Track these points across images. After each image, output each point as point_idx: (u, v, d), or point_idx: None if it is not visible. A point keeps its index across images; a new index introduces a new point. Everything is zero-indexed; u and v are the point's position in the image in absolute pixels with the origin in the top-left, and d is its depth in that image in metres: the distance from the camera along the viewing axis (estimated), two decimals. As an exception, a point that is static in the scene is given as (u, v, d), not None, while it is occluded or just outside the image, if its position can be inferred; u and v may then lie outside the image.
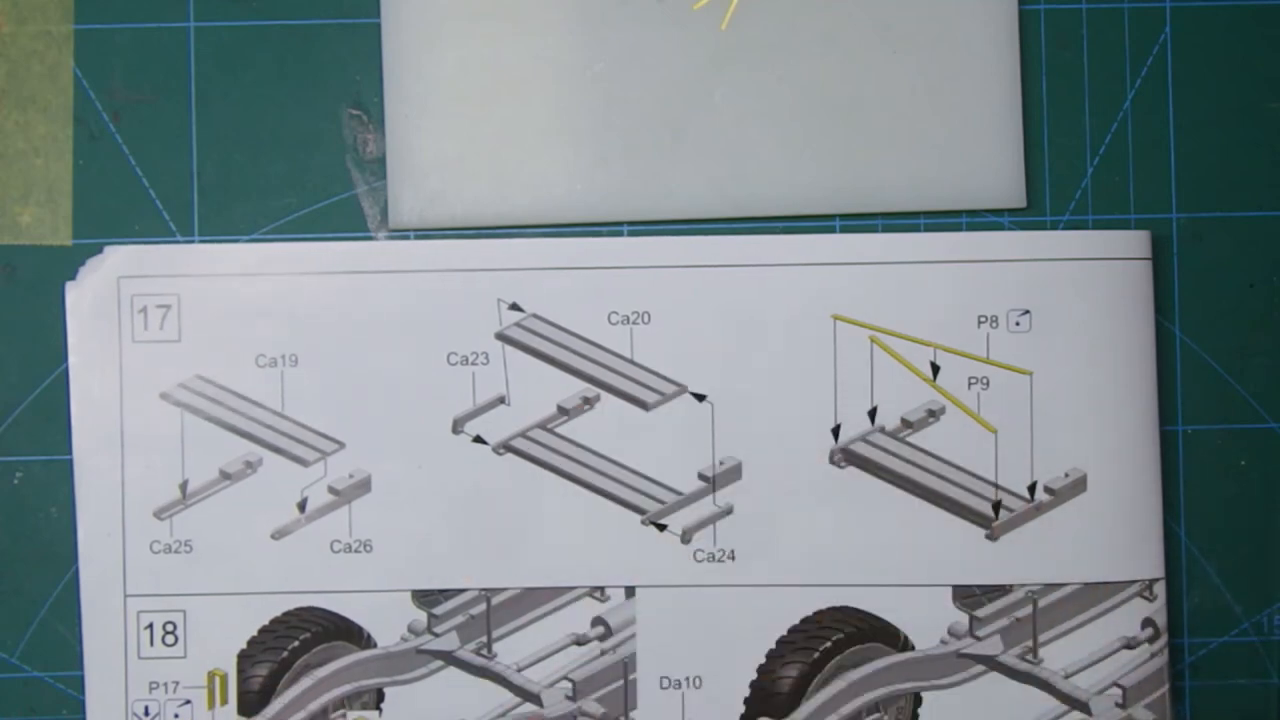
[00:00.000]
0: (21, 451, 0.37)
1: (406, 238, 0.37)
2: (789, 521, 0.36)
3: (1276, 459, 0.37)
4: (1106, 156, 0.38)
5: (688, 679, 0.36)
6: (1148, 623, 0.36)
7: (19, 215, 0.37)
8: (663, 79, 0.37)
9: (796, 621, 0.36)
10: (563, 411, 0.36)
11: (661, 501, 0.36)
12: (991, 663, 0.36)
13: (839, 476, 0.36)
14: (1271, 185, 0.38)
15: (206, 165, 0.37)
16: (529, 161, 0.37)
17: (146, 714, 0.36)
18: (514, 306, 0.36)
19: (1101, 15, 0.38)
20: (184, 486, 0.36)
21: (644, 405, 0.36)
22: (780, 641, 0.36)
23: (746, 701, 0.36)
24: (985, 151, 0.37)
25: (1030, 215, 0.37)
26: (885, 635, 0.36)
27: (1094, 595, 0.36)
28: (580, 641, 0.36)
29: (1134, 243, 0.36)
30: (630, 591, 0.36)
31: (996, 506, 0.36)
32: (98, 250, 0.37)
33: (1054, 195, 0.38)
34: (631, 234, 0.37)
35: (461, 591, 0.36)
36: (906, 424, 0.36)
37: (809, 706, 0.36)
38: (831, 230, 0.37)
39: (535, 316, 0.37)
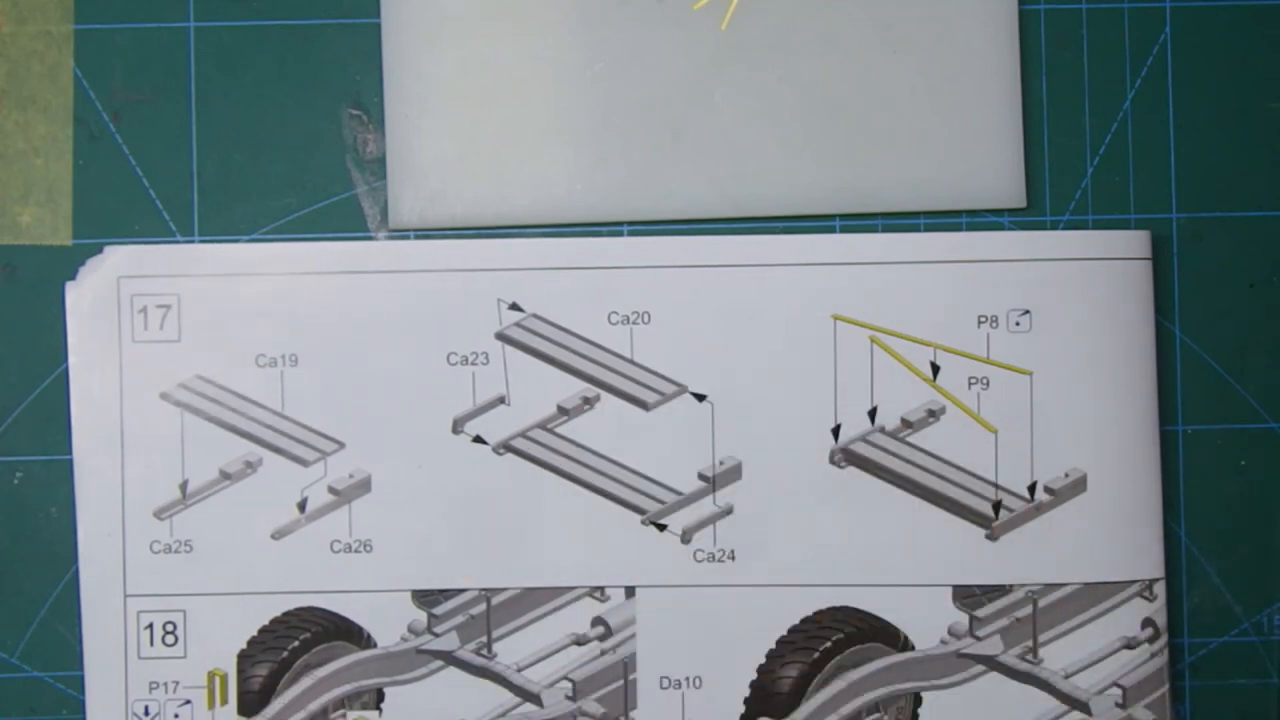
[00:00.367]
0: (21, 451, 0.37)
1: (406, 238, 0.37)
2: (789, 521, 0.36)
3: (1276, 459, 0.37)
4: (1106, 156, 0.38)
5: (688, 679, 0.36)
6: (1148, 623, 0.36)
7: (19, 215, 0.37)
8: (663, 79, 0.37)
9: (796, 621, 0.36)
10: (563, 411, 0.36)
11: (661, 501, 0.36)
12: (991, 663, 0.36)
13: (839, 476, 0.36)
14: (1271, 185, 0.38)
15: (206, 165, 0.37)
16: (529, 161, 0.37)
17: (146, 714, 0.36)
18: (514, 306, 0.36)
19: (1101, 15, 0.38)
20: (184, 486, 0.36)
21: (644, 405, 0.36)
22: (780, 641, 0.36)
23: (746, 701, 0.36)
24: (985, 151, 0.37)
25: (1030, 215, 0.37)
26: (885, 635, 0.36)
27: (1094, 595, 0.36)
28: (580, 641, 0.36)
29: (1134, 243, 0.36)
30: (630, 591, 0.36)
31: (996, 506, 0.36)
32: (98, 250, 0.37)
33: (1054, 195, 0.38)
34: (631, 234, 0.37)
35: (461, 591, 0.36)
36: (906, 424, 0.36)
37: (809, 706, 0.36)
38: (831, 230, 0.37)
39: (535, 316, 0.37)
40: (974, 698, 0.36)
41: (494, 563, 0.36)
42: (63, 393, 0.37)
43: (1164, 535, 0.36)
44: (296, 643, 0.36)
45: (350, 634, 0.36)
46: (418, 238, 0.37)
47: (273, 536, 0.36)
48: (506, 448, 0.36)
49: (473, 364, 0.36)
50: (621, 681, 0.36)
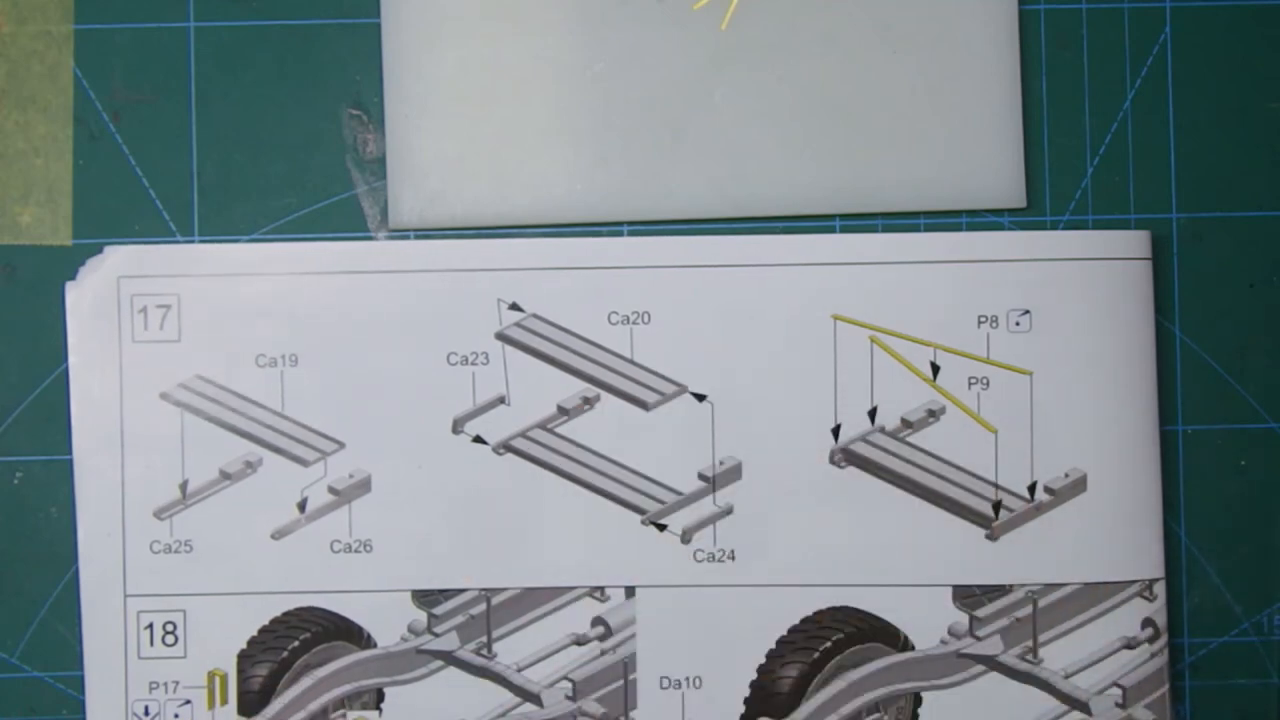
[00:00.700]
0: (21, 451, 0.37)
1: (406, 238, 0.37)
2: (789, 521, 0.36)
3: (1276, 459, 0.37)
4: (1106, 156, 0.38)
5: (688, 679, 0.36)
6: (1148, 623, 0.36)
7: (19, 215, 0.37)
8: (663, 79, 0.37)
9: (796, 621, 0.36)
10: (563, 411, 0.36)
11: (661, 501, 0.36)
12: (991, 663, 0.36)
13: (839, 476, 0.36)
14: (1271, 185, 0.38)
15: (206, 165, 0.37)
16: (529, 161, 0.37)
17: (146, 714, 0.36)
18: (514, 306, 0.36)
19: (1101, 15, 0.38)
20: (184, 486, 0.36)
21: (644, 405, 0.36)
22: (780, 641, 0.36)
23: (746, 701, 0.36)
24: (985, 151, 0.37)
25: (1030, 215, 0.37)
26: (885, 635, 0.36)
27: (1094, 595, 0.36)
28: (580, 641, 0.36)
29: (1134, 243, 0.36)
30: (630, 591, 0.36)
31: (996, 506, 0.36)
32: (98, 250, 0.37)
33: (1054, 195, 0.38)
34: (631, 234, 0.37)
35: (461, 591, 0.36)
36: (906, 424, 0.36)
37: (809, 706, 0.36)
38: (831, 230, 0.37)
39: (535, 316, 0.37)
40: (974, 698, 0.36)
41: (494, 563, 0.36)
42: (63, 393, 0.37)
43: (1164, 535, 0.36)
44: (296, 643, 0.36)
45: (350, 634, 0.36)
46: (418, 238, 0.37)
47: (273, 536, 0.36)
48: (506, 448, 0.36)
49: (473, 364, 0.36)
50: (621, 681, 0.36)
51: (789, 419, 0.36)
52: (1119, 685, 0.36)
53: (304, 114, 0.37)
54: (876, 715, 0.36)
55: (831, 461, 0.36)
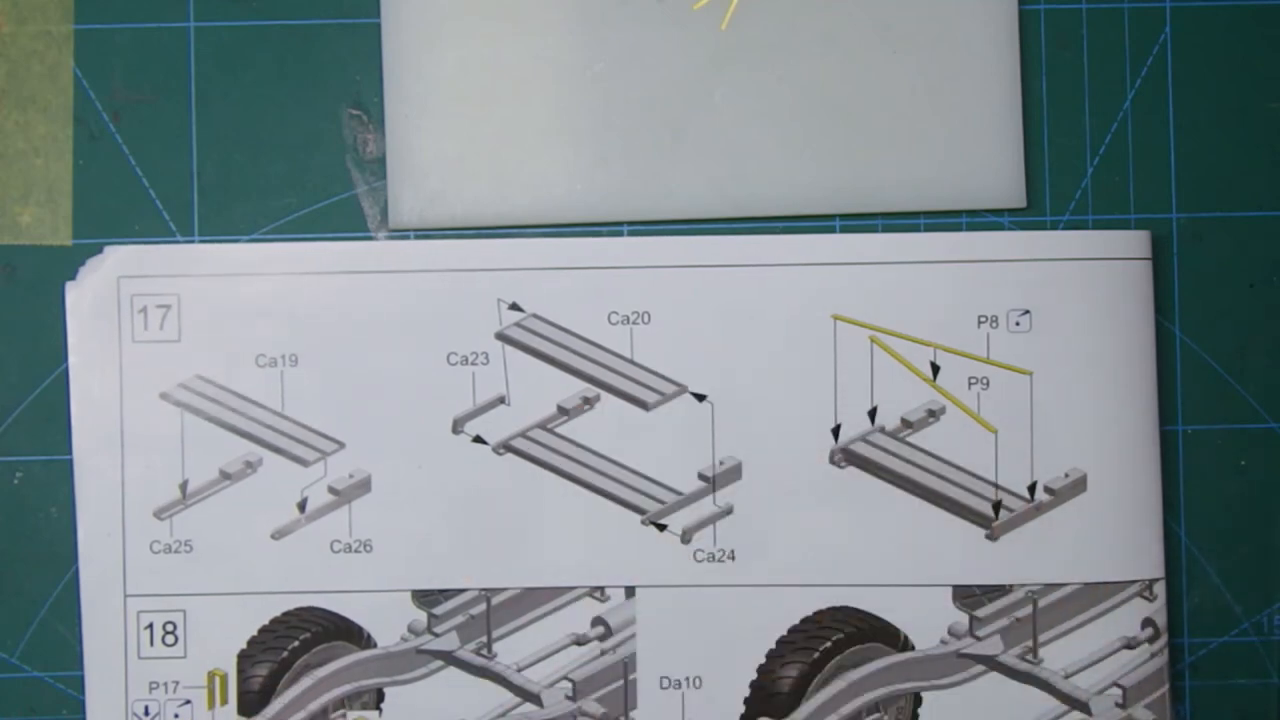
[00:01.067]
0: (21, 451, 0.37)
1: (406, 238, 0.37)
2: (789, 521, 0.36)
3: (1276, 459, 0.37)
4: (1106, 156, 0.38)
5: (688, 679, 0.36)
6: (1148, 623, 0.36)
7: (19, 215, 0.37)
8: (663, 79, 0.37)
9: (796, 621, 0.36)
10: (563, 411, 0.36)
11: (661, 501, 0.36)
12: (991, 663, 0.36)
13: (839, 476, 0.36)
14: (1271, 185, 0.38)
15: (206, 165, 0.37)
16: (529, 161, 0.37)
17: (146, 714, 0.36)
18: (514, 306, 0.36)
19: (1101, 15, 0.38)
20: (184, 486, 0.36)
21: (644, 405, 0.36)
22: (780, 641, 0.36)
23: (746, 701, 0.36)
24: (985, 151, 0.37)
25: (1030, 215, 0.37)
26: (885, 635, 0.36)
27: (1094, 595, 0.36)
28: (580, 641, 0.36)
29: (1134, 243, 0.36)
30: (630, 591, 0.36)
31: (996, 506, 0.36)
32: (98, 250, 0.37)
33: (1054, 195, 0.38)
34: (631, 234, 0.37)
35: (461, 591, 0.36)
36: (906, 424, 0.36)
37: (809, 706, 0.36)
38: (831, 230, 0.37)
39: (535, 316, 0.37)
40: (974, 698, 0.36)
41: (494, 563, 0.36)
42: (63, 393, 0.37)
43: (1164, 535, 0.36)
44: (296, 643, 0.36)
45: (350, 634, 0.36)
46: (418, 238, 0.37)
47: (273, 536, 0.36)
48: (506, 448, 0.36)
49: (473, 364, 0.36)
50: (621, 681, 0.36)
51: (789, 419, 0.36)
52: (1119, 685, 0.36)
53: (304, 114, 0.37)
54: (876, 715, 0.36)
55: (831, 461, 0.36)
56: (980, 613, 0.36)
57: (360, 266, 0.36)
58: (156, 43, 0.37)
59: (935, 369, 0.36)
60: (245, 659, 0.36)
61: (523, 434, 0.36)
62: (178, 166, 0.37)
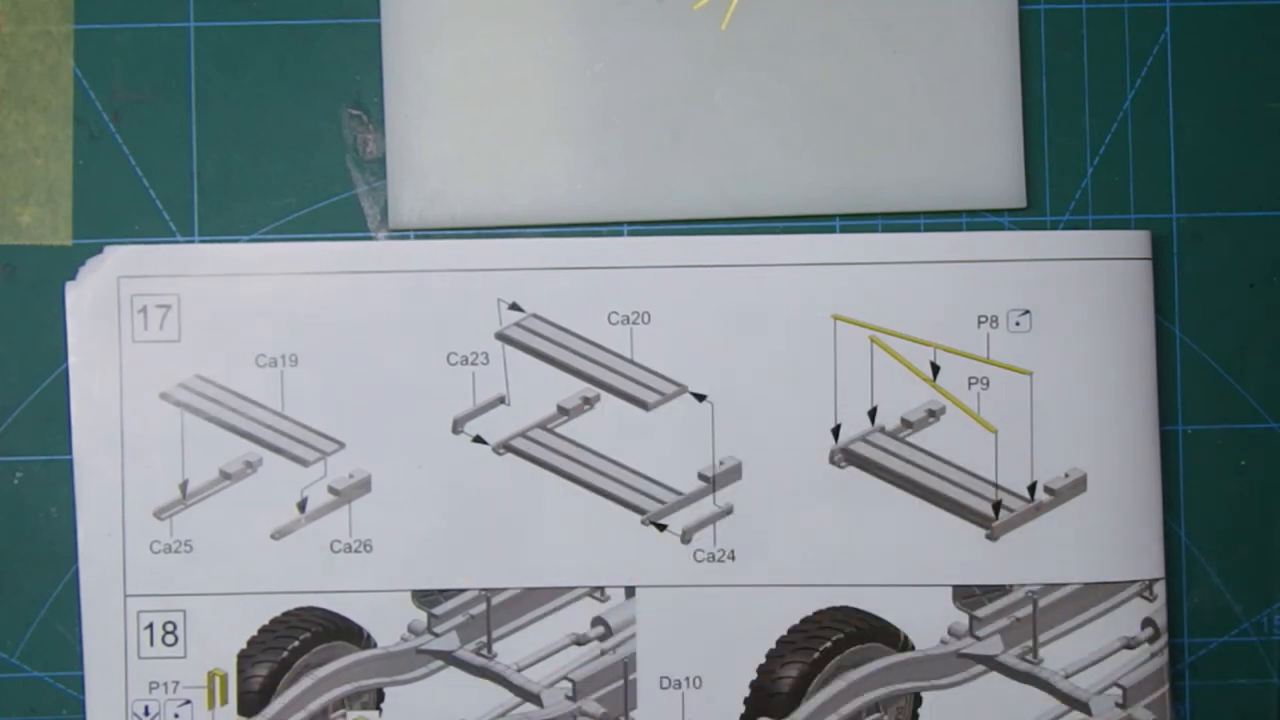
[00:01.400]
0: (21, 451, 0.37)
1: (406, 238, 0.37)
2: (789, 521, 0.36)
3: (1276, 459, 0.37)
4: (1106, 156, 0.38)
5: (688, 679, 0.36)
6: (1148, 623, 0.36)
7: (19, 215, 0.37)
8: (663, 79, 0.37)
9: (796, 621, 0.36)
10: (563, 411, 0.36)
11: (661, 501, 0.36)
12: (991, 663, 0.36)
13: (839, 476, 0.36)
14: (1271, 185, 0.38)
15: (206, 165, 0.37)
16: (529, 161, 0.37)
17: (146, 714, 0.36)
18: (514, 306, 0.37)
19: (1101, 15, 0.38)
20: (184, 486, 0.36)
21: (644, 405, 0.36)
22: (780, 641, 0.36)
23: (746, 701, 0.36)
24: (985, 151, 0.37)
25: (1030, 215, 0.37)
26: (885, 635, 0.36)
27: (1094, 595, 0.36)
28: (580, 641, 0.36)
29: (1134, 243, 0.36)
30: (630, 591, 0.36)
31: (996, 506, 0.36)
32: (98, 250, 0.37)
33: (1054, 195, 0.38)
34: (631, 234, 0.37)
35: (461, 591, 0.36)
36: (906, 424, 0.36)
37: (809, 706, 0.36)
38: (831, 230, 0.37)
39: (535, 316, 0.37)
40: (974, 698, 0.36)
41: (494, 563, 0.36)
42: (63, 393, 0.37)
43: (1164, 535, 0.36)
44: (296, 643, 0.36)
45: (350, 634, 0.36)
46: (418, 238, 0.37)
47: (273, 536, 0.36)
48: (506, 448, 0.36)
49: (473, 364, 0.36)
50: (621, 681, 0.36)
51: (789, 419, 0.36)
52: (1119, 685, 0.36)
53: (304, 114, 0.37)
54: (876, 715, 0.36)
55: (831, 461, 0.36)
56: (980, 613, 0.36)
57: (360, 266, 0.36)
58: (156, 43, 0.37)
59: (935, 369, 0.36)
60: (245, 659, 0.36)
61: (523, 434, 0.36)
62: (178, 166, 0.37)
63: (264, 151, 0.37)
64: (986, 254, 0.36)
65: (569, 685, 0.36)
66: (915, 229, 0.37)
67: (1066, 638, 0.36)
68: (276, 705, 0.36)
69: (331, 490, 0.36)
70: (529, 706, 0.36)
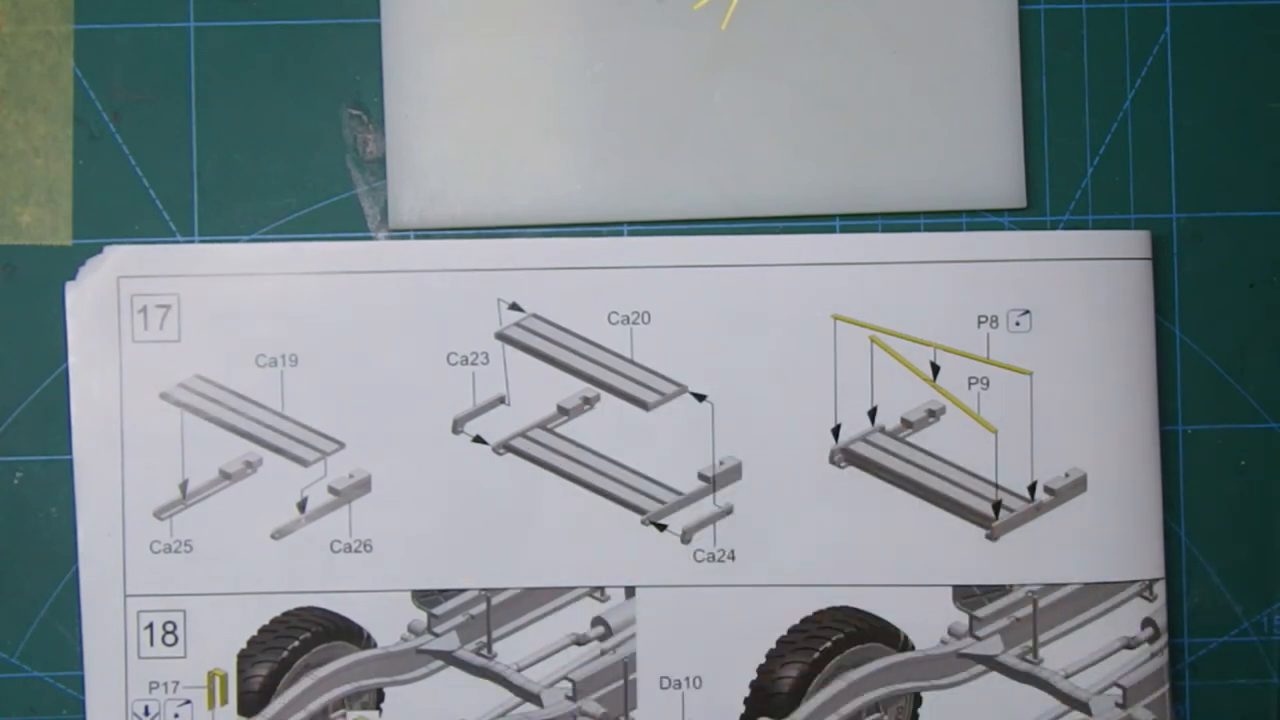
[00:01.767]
0: (21, 451, 0.37)
1: (406, 238, 0.37)
2: (789, 521, 0.36)
3: (1276, 459, 0.37)
4: (1106, 156, 0.38)
5: (688, 679, 0.36)
6: (1148, 623, 0.36)
7: (19, 215, 0.37)
8: (663, 79, 0.37)
9: (796, 621, 0.36)
10: (563, 411, 0.36)
11: (661, 501, 0.36)
12: (991, 663, 0.36)
13: (839, 476, 0.36)
14: (1271, 185, 0.38)
15: (206, 165, 0.37)
16: (529, 161, 0.37)
17: (146, 714, 0.36)
18: (514, 306, 0.37)
19: (1101, 15, 0.38)
20: (184, 486, 0.36)
21: (644, 405, 0.36)
22: (780, 641, 0.36)
23: (746, 701, 0.36)
24: (985, 151, 0.37)
25: (1030, 215, 0.37)
26: (885, 635, 0.36)
27: (1094, 595, 0.36)
28: (580, 641, 0.36)
29: (1134, 243, 0.36)
30: (630, 591, 0.36)
31: (996, 506, 0.36)
32: (98, 250, 0.37)
33: (1054, 195, 0.38)
34: (631, 234, 0.37)
35: (461, 591, 0.36)
36: (906, 424, 0.36)
37: (809, 706, 0.36)
38: (831, 230, 0.37)
39: (535, 316, 0.37)
40: (974, 698, 0.36)
41: (494, 563, 0.36)
42: (63, 393, 0.37)
43: (1164, 535, 0.36)
44: (296, 643, 0.36)
45: (350, 634, 0.36)
46: (418, 238, 0.37)
47: (273, 536, 0.36)
48: (506, 448, 0.36)
49: (473, 364, 0.36)
50: (621, 681, 0.36)
51: (789, 419, 0.36)
52: (1119, 685, 0.36)
53: (304, 114, 0.37)
54: (876, 715, 0.36)
55: (831, 461, 0.36)
56: (980, 613, 0.36)
57: (360, 266, 0.36)
58: (156, 43, 0.37)
59: (935, 369, 0.36)
60: (245, 659, 0.36)
61: (523, 434, 0.36)
62: (178, 166, 0.37)
63: (264, 151, 0.37)
64: (986, 254, 0.36)
65: (569, 685, 0.36)
66: (915, 229, 0.37)
67: (1066, 638, 0.36)
68: (276, 705, 0.36)
69: (331, 490, 0.36)
70: (529, 706, 0.36)
